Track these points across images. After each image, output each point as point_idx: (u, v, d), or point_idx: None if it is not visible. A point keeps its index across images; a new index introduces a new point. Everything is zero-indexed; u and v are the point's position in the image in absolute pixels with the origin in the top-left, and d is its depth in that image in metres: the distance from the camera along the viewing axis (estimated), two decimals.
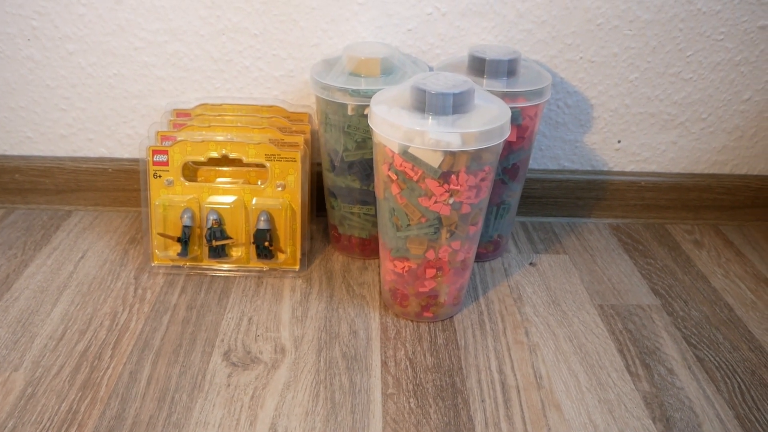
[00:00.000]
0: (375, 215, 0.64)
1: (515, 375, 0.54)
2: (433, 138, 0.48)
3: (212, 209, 0.62)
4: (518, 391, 0.52)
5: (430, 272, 0.56)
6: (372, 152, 0.60)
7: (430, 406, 0.51)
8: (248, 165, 0.64)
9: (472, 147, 0.49)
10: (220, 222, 0.62)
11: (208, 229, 0.62)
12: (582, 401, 0.52)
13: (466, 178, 0.50)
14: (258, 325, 0.58)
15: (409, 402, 0.51)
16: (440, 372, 0.54)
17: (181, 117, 0.67)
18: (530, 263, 0.69)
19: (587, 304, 0.63)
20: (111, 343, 0.55)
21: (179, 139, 0.62)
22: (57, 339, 0.55)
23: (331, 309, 0.60)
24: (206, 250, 0.63)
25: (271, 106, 0.69)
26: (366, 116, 0.58)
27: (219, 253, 0.62)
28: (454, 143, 0.48)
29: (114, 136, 0.72)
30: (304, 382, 0.52)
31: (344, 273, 0.66)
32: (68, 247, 0.68)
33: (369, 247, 0.67)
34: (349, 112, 0.58)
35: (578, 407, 0.51)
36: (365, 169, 0.61)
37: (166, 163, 0.61)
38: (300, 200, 0.62)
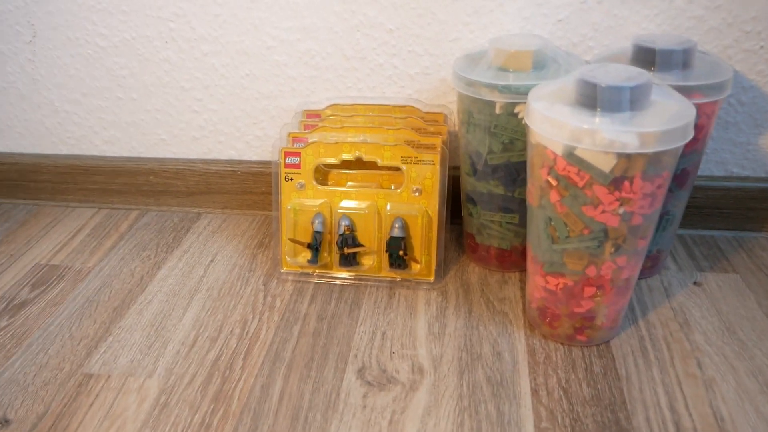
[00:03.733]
0: (518, 224, 0.58)
1: (690, 415, 0.46)
2: (606, 138, 0.42)
3: (344, 215, 0.58)
4: None
5: (589, 291, 0.49)
6: (519, 155, 0.54)
7: None
8: (382, 168, 0.60)
9: (651, 149, 0.42)
10: (352, 228, 0.58)
11: (340, 235, 0.58)
12: None
13: (641, 185, 0.43)
14: (393, 340, 0.54)
15: None
16: (600, 406, 0.47)
17: (311, 118, 0.65)
18: (694, 282, 0.60)
19: None
20: (242, 353, 0.53)
21: (312, 140, 0.59)
22: (189, 346, 0.54)
23: (471, 326, 0.55)
24: (337, 257, 0.59)
25: (404, 106, 0.65)
26: (515, 115, 0.53)
27: (350, 261, 0.59)
28: (631, 144, 0.41)
29: (243, 137, 0.70)
30: (447, 408, 0.47)
31: (482, 286, 0.60)
32: (198, 250, 0.67)
33: (509, 259, 0.61)
34: (497, 111, 0.53)
35: None
36: (511, 173, 0.56)
37: (298, 166, 0.59)
38: (438, 207, 0.58)
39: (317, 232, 0.59)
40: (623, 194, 0.44)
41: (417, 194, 0.58)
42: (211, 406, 0.48)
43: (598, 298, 0.49)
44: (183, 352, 0.53)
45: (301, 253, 0.60)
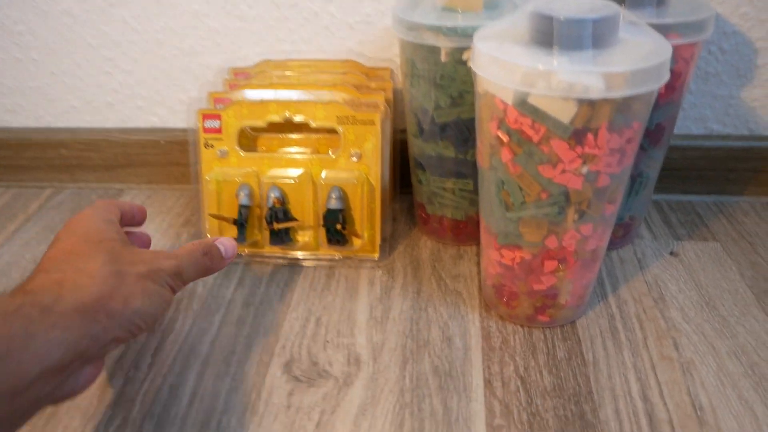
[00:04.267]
0: (474, 191, 0.51)
1: (666, 404, 0.40)
2: (564, 80, 0.34)
3: (274, 185, 0.51)
4: (672, 428, 0.38)
5: (550, 265, 0.42)
6: (470, 110, 0.47)
7: None
8: (317, 131, 0.52)
9: (619, 93, 0.35)
10: (283, 200, 0.51)
11: (269, 209, 0.51)
12: None
13: (607, 137, 0.36)
14: (328, 327, 0.47)
15: None
16: (563, 397, 0.41)
17: (239, 77, 0.57)
18: (671, 252, 0.54)
19: (753, 308, 0.48)
20: (151, 349, 0.45)
21: (234, 100, 0.51)
22: None
23: (419, 308, 0.48)
24: (267, 234, 0.52)
25: (345, 61, 0.57)
26: (464, 63, 0.45)
27: (282, 238, 0.51)
28: (595, 88, 0.34)
29: (165, 102, 0.62)
30: (385, 405, 0.40)
31: (434, 262, 0.53)
32: None
33: (464, 231, 0.54)
34: (443, 59, 0.45)
35: None
36: (462, 132, 0.48)
37: (219, 130, 0.51)
38: (380, 173, 0.50)
39: (243, 206, 0.51)
40: (586, 150, 0.37)
41: (356, 159, 0.50)
42: (108, 414, 0.40)
43: (561, 272, 0.43)
44: None
45: (227, 230, 0.52)
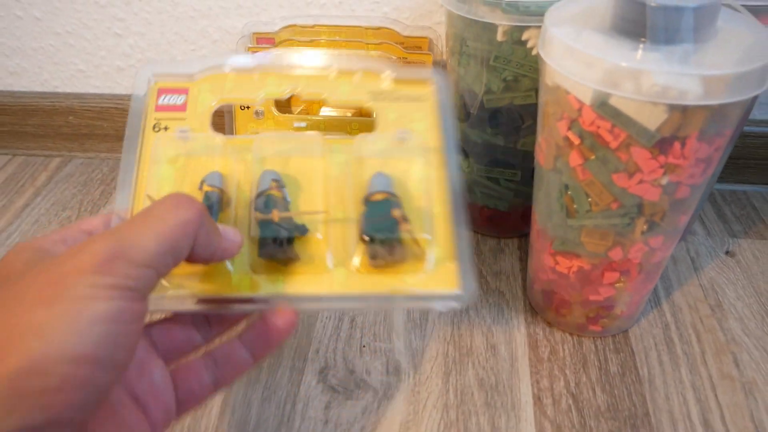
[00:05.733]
0: (521, 182, 0.47)
1: (727, 430, 0.37)
2: (658, 83, 0.30)
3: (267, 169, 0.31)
4: None
5: (611, 277, 0.39)
6: (525, 96, 0.42)
7: None
8: (345, 108, 0.47)
9: (718, 100, 0.30)
10: (280, 184, 0.30)
11: (261, 194, 0.30)
12: None
13: (696, 147, 0.32)
14: (363, 330, 0.43)
15: None
16: (618, 419, 0.38)
17: (263, 43, 0.52)
18: (726, 252, 0.50)
19: None
20: None
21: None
22: None
23: (460, 310, 0.45)
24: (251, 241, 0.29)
25: (378, 28, 0.52)
26: (524, 44, 0.40)
27: (284, 250, 0.28)
28: (693, 93, 0.30)
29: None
30: (429, 423, 0.37)
31: (473, 256, 0.50)
32: None
33: (507, 223, 0.50)
34: (499, 38, 0.40)
35: None
36: (514, 119, 0.44)
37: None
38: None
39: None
40: (670, 159, 0.32)
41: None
42: None
43: (621, 284, 0.39)
44: None
45: None
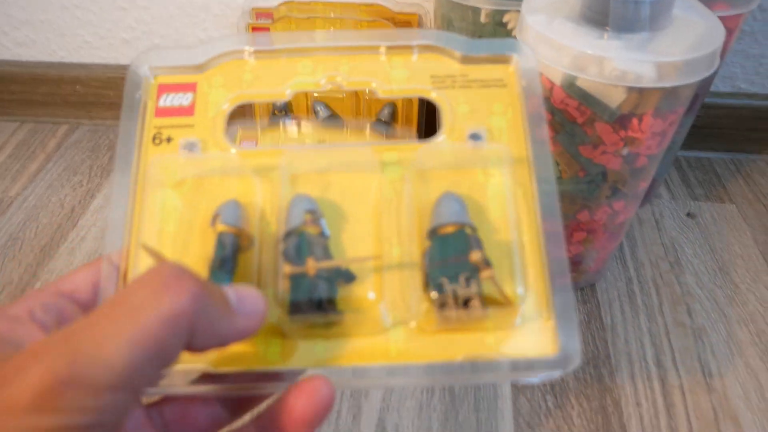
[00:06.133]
0: None
1: (678, 370, 0.43)
2: (618, 68, 0.34)
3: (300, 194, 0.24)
4: (683, 394, 0.41)
5: (579, 236, 0.44)
6: None
7: (572, 407, 0.41)
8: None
9: (670, 82, 0.34)
10: (317, 215, 0.23)
11: (291, 233, 0.22)
12: (766, 413, 0.40)
13: (651, 123, 0.36)
14: None
15: (545, 400, 0.41)
16: (583, 359, 0.43)
17: (262, 18, 0.55)
18: (687, 214, 0.55)
19: (764, 275, 0.50)
20: None
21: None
22: None
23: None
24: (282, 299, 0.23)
25: (370, 5, 0.55)
26: (505, 25, 0.44)
27: (321, 306, 0.21)
28: (648, 76, 0.34)
29: (183, 41, 0.60)
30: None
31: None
32: None
33: None
34: (482, 20, 0.44)
35: (762, 421, 0.40)
36: None
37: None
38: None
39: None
40: (629, 133, 0.37)
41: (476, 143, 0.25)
42: None
43: (588, 243, 0.44)
44: None
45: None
